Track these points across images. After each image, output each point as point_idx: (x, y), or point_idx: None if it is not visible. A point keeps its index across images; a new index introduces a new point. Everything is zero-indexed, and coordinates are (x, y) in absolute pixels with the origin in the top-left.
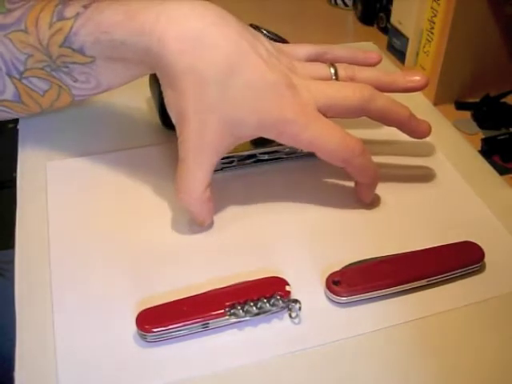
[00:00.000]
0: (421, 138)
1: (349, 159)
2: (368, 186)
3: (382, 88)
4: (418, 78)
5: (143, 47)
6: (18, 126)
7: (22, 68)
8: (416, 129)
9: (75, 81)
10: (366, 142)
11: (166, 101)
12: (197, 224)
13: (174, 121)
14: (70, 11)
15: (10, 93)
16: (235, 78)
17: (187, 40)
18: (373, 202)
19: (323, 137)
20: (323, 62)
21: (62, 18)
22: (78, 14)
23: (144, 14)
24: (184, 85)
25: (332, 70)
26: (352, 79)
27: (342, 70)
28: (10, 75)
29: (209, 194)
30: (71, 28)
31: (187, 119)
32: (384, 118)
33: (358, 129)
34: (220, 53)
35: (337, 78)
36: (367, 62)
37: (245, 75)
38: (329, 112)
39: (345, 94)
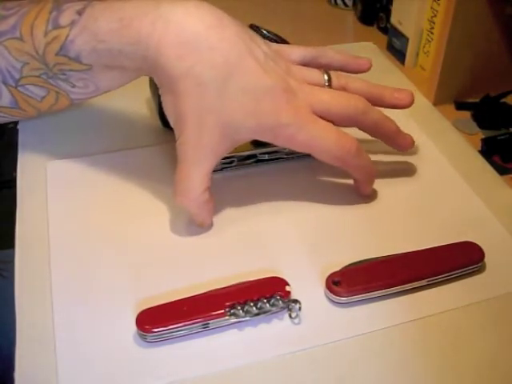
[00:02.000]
0: (404, 150)
1: (345, 159)
2: (365, 183)
3: (371, 101)
4: (402, 96)
5: (141, 55)
6: (18, 126)
7: (17, 76)
8: (401, 143)
9: (73, 86)
10: (364, 142)
11: (165, 106)
12: (196, 225)
13: (172, 124)
14: (64, 19)
15: (6, 100)
16: (232, 81)
17: (185, 44)
18: (371, 197)
19: (319, 138)
20: (317, 65)
21: (57, 26)
22: (73, 22)
23: (139, 21)
24: (182, 88)
25: (326, 77)
26: (344, 88)
27: (336, 78)
28: (5, 83)
29: (207, 197)
30: (67, 37)
31: (185, 121)
32: (374, 131)
33: (357, 129)
34: (218, 55)
35: (330, 85)
36: (358, 69)
37: (242, 79)
38: (322, 117)
39: (340, 101)
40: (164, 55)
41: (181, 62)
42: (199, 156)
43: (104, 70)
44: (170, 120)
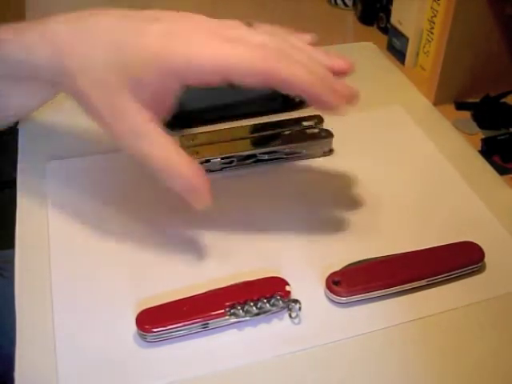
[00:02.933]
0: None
1: (267, 72)
2: (317, 95)
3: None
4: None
5: (36, 63)
6: (18, 126)
7: None
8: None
9: None
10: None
11: (86, 114)
12: (199, 203)
13: (101, 126)
14: None
15: None
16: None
17: (63, 46)
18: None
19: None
20: None
21: None
22: None
23: (31, 31)
24: (80, 85)
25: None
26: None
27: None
28: None
29: (183, 153)
30: None
31: (101, 113)
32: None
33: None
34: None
35: None
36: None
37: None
38: None
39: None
40: (58, 61)
41: (70, 62)
42: (135, 126)
43: (4, 80)
44: (98, 122)
